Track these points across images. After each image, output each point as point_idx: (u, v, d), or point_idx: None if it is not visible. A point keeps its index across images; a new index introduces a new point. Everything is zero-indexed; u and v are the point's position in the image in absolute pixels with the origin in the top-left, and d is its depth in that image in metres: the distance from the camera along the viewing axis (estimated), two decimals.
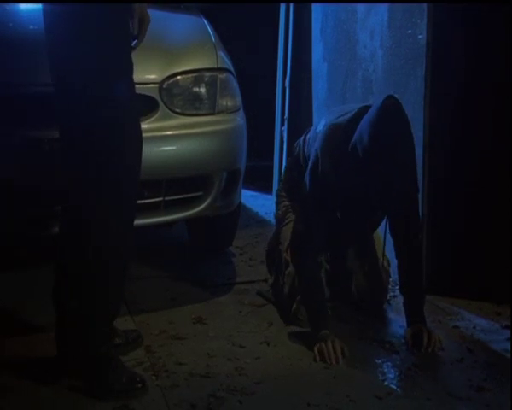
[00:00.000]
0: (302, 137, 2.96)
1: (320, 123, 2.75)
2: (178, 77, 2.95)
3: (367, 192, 2.56)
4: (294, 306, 2.78)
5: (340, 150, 2.54)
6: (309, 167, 2.67)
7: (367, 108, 2.55)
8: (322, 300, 2.62)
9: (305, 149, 2.87)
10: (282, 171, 3.37)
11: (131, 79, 2.22)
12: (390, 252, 2.91)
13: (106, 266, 2.23)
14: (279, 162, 4.76)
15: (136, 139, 2.24)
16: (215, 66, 3.08)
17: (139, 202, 2.75)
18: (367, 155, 2.40)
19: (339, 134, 2.57)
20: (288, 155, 4.36)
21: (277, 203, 3.08)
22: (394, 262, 2.80)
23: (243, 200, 3.73)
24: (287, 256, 2.85)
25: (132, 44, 2.36)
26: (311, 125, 3.01)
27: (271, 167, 4.87)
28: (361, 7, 3.67)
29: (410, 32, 3.18)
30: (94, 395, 2.20)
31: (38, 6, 2.91)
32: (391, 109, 2.40)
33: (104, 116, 2.14)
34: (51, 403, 2.19)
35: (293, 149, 3.08)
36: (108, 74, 2.15)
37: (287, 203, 3.01)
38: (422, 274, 2.78)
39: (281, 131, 4.78)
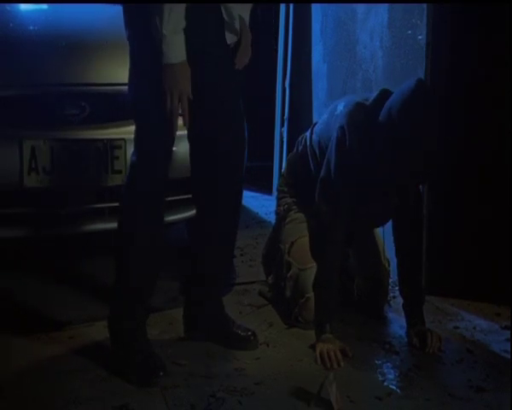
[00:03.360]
0: (308, 132, 2.93)
1: (338, 106, 2.69)
2: None
3: (386, 177, 2.52)
4: (296, 309, 2.78)
5: (365, 128, 2.51)
6: (333, 145, 2.58)
7: (388, 91, 2.53)
8: (333, 299, 2.60)
9: (314, 139, 2.82)
10: (283, 166, 3.36)
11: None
12: (389, 252, 2.92)
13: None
14: (279, 162, 4.76)
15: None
16: None
17: None
18: (394, 127, 2.37)
19: (363, 112, 2.54)
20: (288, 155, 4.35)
21: (278, 199, 3.07)
22: (394, 262, 2.80)
23: (243, 201, 3.73)
24: (289, 258, 2.85)
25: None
26: (311, 124, 2.99)
27: (271, 168, 4.87)
28: (361, 7, 3.67)
29: (409, 32, 3.18)
30: (117, 373, 2.34)
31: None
32: (426, 89, 2.41)
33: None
34: (51, 403, 2.19)
35: (296, 144, 3.04)
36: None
37: (289, 200, 2.99)
38: (422, 274, 2.78)
39: (281, 131, 4.78)
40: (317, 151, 2.79)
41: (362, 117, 2.54)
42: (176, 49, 2.23)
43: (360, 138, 2.52)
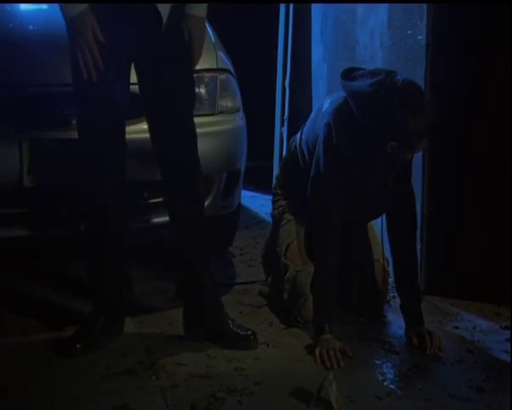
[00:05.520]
0: (299, 133, 2.95)
1: (324, 104, 2.72)
2: None
3: (375, 170, 2.56)
4: (295, 310, 2.78)
5: (352, 123, 2.53)
6: (321, 142, 2.61)
7: None
8: (331, 299, 2.61)
9: (303, 138, 2.84)
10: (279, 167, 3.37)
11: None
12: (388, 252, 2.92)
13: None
14: (279, 163, 4.75)
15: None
16: (215, 66, 3.07)
17: (139, 203, 2.77)
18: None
19: (349, 108, 2.55)
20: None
21: (273, 202, 3.07)
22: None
23: (243, 200, 3.73)
24: (285, 261, 2.85)
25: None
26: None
27: (271, 168, 4.86)
28: (361, 7, 3.67)
29: (409, 32, 3.18)
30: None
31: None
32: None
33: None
34: (51, 403, 2.20)
35: (289, 145, 3.06)
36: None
37: (283, 203, 2.99)
38: (418, 274, 2.78)
39: (281, 131, 4.77)
40: (306, 150, 2.81)
41: (348, 113, 2.54)
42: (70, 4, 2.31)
43: (347, 134, 2.53)
